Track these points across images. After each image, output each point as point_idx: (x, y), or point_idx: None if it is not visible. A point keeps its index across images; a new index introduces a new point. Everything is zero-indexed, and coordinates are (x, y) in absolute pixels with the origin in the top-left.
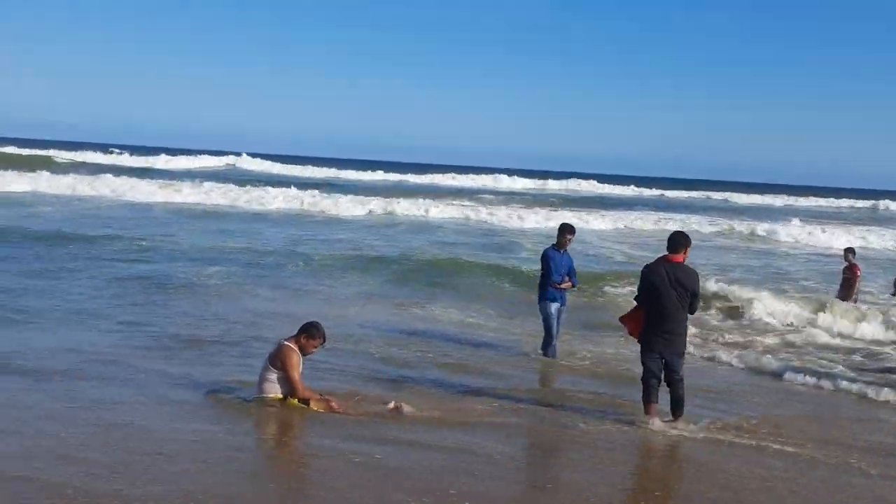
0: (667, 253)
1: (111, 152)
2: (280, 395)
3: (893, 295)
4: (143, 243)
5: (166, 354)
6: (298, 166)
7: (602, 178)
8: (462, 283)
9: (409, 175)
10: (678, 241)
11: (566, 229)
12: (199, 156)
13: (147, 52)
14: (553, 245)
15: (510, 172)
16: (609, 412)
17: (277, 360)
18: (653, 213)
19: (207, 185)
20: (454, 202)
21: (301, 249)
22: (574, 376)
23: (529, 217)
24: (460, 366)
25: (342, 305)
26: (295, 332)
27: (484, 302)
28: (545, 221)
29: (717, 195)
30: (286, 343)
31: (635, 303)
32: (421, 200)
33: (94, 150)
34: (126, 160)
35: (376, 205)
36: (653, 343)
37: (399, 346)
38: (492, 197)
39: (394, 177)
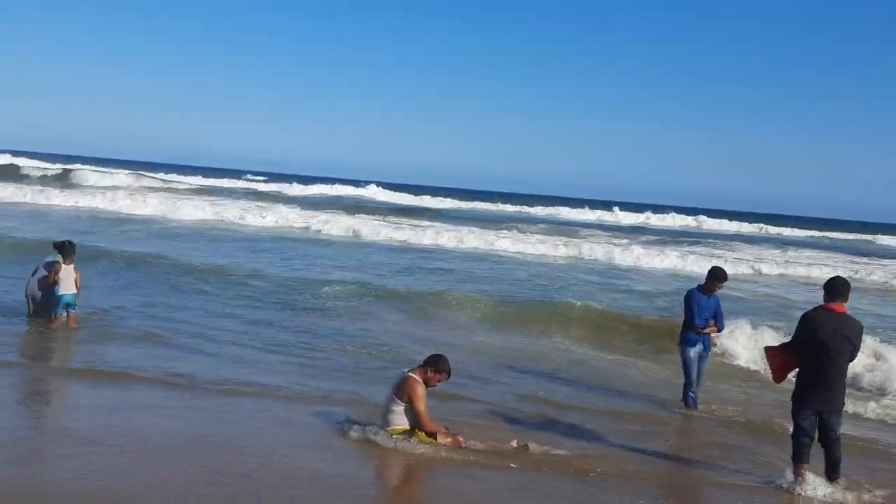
0: (828, 302)
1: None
2: (406, 427)
3: None
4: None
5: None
6: (432, 197)
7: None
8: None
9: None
10: (840, 288)
11: (718, 276)
12: (333, 185)
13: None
14: (699, 286)
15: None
16: (755, 472)
17: (403, 391)
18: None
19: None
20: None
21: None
22: (715, 428)
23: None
24: (595, 410)
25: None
26: (420, 362)
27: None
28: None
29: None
30: (411, 375)
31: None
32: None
33: (233, 177)
34: (262, 186)
35: (568, 247)
36: (809, 400)
37: (532, 383)
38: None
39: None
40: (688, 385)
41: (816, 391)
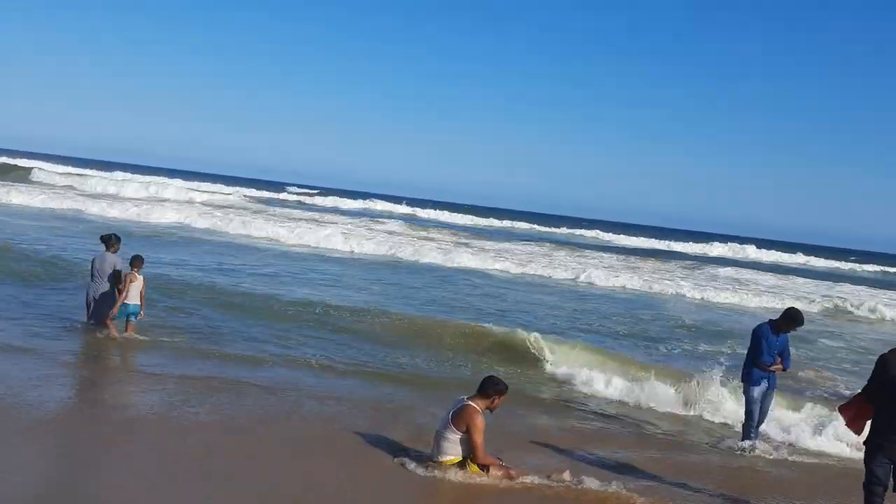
0: None
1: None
2: (460, 458)
3: None
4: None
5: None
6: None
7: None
8: None
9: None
10: None
11: (795, 319)
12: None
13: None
14: (770, 322)
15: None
16: None
17: (462, 421)
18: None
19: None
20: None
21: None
22: (772, 470)
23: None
24: (662, 442)
25: None
26: (478, 390)
27: None
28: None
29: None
30: (471, 403)
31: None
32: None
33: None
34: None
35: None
36: (884, 446)
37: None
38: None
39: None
40: (750, 425)
41: (891, 437)
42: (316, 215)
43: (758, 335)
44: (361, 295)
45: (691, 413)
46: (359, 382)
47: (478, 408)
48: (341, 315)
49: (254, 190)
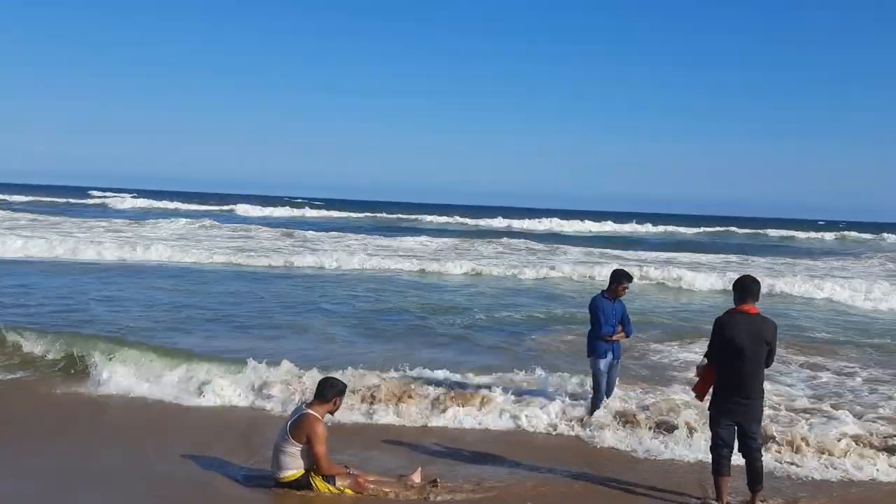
0: (739, 304)
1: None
2: (302, 471)
3: None
4: None
5: None
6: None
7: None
8: None
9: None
10: (751, 288)
11: (622, 277)
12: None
13: None
14: (603, 292)
15: None
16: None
17: (302, 432)
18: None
19: None
20: None
21: None
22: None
23: None
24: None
25: None
26: (316, 395)
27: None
28: None
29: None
30: (310, 412)
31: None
32: None
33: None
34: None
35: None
36: (727, 409)
37: None
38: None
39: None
40: (598, 398)
41: (734, 399)
42: None
43: (594, 307)
44: None
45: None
46: None
47: (318, 416)
48: None
49: None
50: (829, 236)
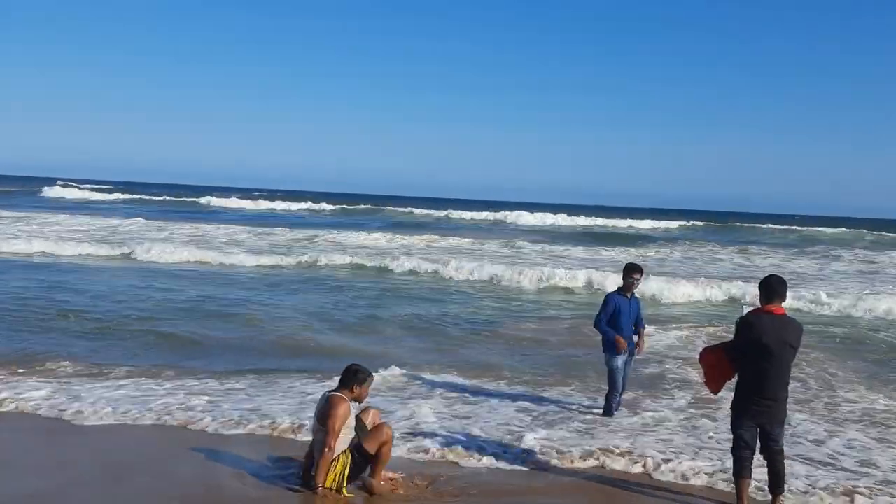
0: (766, 304)
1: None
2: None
3: None
4: None
5: None
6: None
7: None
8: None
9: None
10: (777, 289)
11: (632, 269)
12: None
13: None
14: (618, 289)
15: None
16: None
17: (326, 416)
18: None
19: None
20: None
21: None
22: (644, 438)
23: None
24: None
25: None
26: (340, 381)
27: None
28: None
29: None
30: (335, 394)
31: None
32: None
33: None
34: None
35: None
36: (750, 411)
37: None
38: None
39: None
40: (613, 393)
41: (759, 401)
42: None
43: (612, 306)
44: None
45: None
46: None
47: (344, 396)
48: None
49: None
50: None
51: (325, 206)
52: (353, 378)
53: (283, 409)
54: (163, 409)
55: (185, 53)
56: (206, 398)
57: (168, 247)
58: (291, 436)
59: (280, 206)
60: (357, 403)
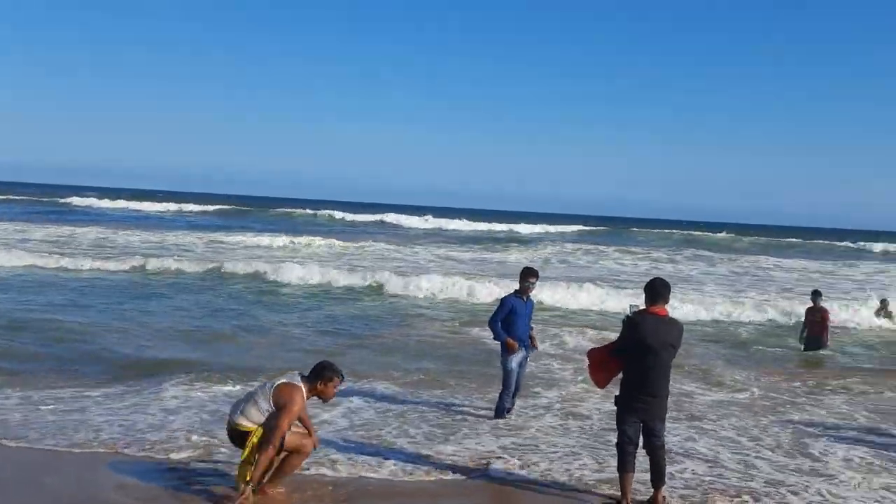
0: (650, 305)
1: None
2: (256, 428)
3: (877, 315)
4: None
5: None
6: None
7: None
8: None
9: None
10: (660, 290)
11: (529, 273)
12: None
13: None
14: (515, 292)
15: None
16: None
17: (281, 398)
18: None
19: None
20: None
21: None
22: (534, 439)
23: None
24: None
25: None
26: (310, 372)
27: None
28: None
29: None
30: (300, 384)
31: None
32: None
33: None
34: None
35: None
36: (634, 407)
37: None
38: None
39: None
40: (506, 395)
41: (641, 398)
42: None
43: (509, 307)
44: None
45: None
46: None
47: (304, 390)
48: None
49: None
50: None
51: (192, 206)
52: (318, 374)
53: None
54: None
55: None
56: None
57: None
58: None
59: (155, 207)
60: (319, 399)
